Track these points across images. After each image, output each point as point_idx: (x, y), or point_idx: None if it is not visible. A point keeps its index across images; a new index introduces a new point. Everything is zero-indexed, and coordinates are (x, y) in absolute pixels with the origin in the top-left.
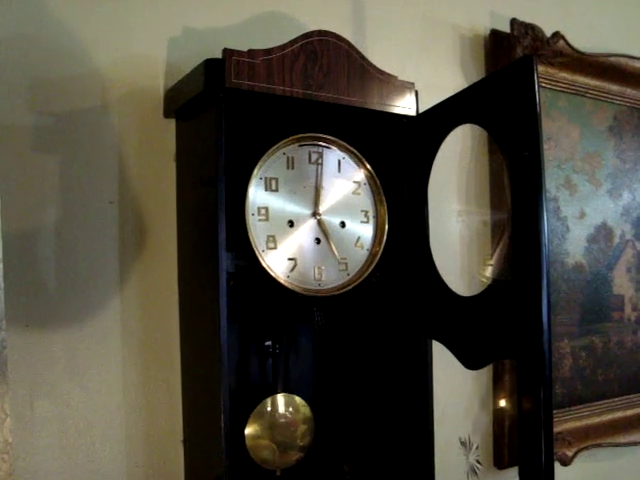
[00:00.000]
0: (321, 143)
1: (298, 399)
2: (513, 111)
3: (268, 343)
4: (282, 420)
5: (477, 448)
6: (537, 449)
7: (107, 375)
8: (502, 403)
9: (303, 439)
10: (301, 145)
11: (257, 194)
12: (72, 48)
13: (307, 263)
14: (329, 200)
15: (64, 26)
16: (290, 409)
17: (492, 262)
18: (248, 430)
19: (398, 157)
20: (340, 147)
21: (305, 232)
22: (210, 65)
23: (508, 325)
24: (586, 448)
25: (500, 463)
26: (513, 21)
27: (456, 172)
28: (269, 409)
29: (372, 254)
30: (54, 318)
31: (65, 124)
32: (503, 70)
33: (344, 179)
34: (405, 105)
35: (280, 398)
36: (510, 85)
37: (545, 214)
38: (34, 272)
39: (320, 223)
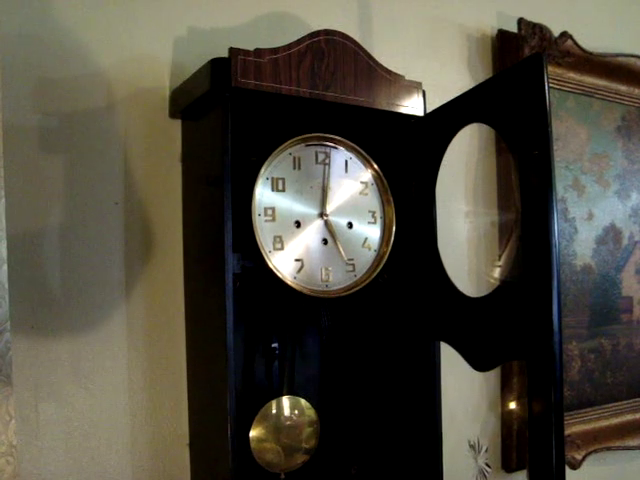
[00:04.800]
0: (328, 143)
1: (303, 401)
2: (523, 109)
3: (274, 345)
4: (287, 423)
5: (486, 451)
6: (548, 452)
7: (112, 377)
8: (511, 405)
9: (309, 442)
10: (308, 145)
11: (264, 194)
12: (77, 48)
13: (314, 264)
14: (336, 200)
15: (69, 26)
16: (295, 411)
17: (500, 263)
18: (253, 433)
19: (405, 157)
20: (347, 147)
21: (312, 233)
22: (216, 64)
23: (518, 326)
24: (595, 451)
25: (508, 466)
26: (520, 21)
27: (463, 172)
28: (274, 411)
29: (379, 255)
30: (59, 319)
31: (70, 125)
32: (512, 68)
33: (351, 179)
34: (412, 105)
35: (285, 400)
36: (520, 83)
37: (556, 213)
38: (39, 273)
39: (327, 224)
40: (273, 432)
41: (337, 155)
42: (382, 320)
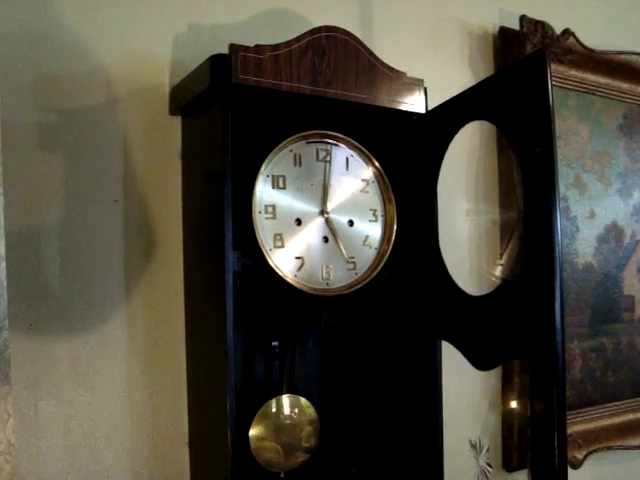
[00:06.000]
0: (329, 140)
1: (303, 400)
2: (525, 106)
3: (275, 343)
4: (287, 421)
5: (488, 450)
6: (550, 451)
7: (112, 376)
8: (512, 404)
9: (308, 440)
10: (308, 142)
11: (264, 192)
12: (77, 45)
13: (315, 262)
14: (337, 198)
15: (69, 23)
16: (295, 410)
17: (502, 261)
18: (252, 432)
19: (407, 155)
20: (348, 144)
21: (313, 231)
22: (216, 61)
23: (520, 325)
24: (596, 451)
25: (509, 465)
26: (522, 18)
27: (464, 170)
28: (274, 410)
29: (380, 253)
30: (58, 317)
31: (70, 121)
32: (515, 65)
33: (352, 177)
34: (414, 102)
35: (285, 399)
36: (522, 80)
37: (558, 211)
38: (38, 271)
39: (328, 221)
40: (273, 431)
41: (338, 152)
42: (383, 318)
